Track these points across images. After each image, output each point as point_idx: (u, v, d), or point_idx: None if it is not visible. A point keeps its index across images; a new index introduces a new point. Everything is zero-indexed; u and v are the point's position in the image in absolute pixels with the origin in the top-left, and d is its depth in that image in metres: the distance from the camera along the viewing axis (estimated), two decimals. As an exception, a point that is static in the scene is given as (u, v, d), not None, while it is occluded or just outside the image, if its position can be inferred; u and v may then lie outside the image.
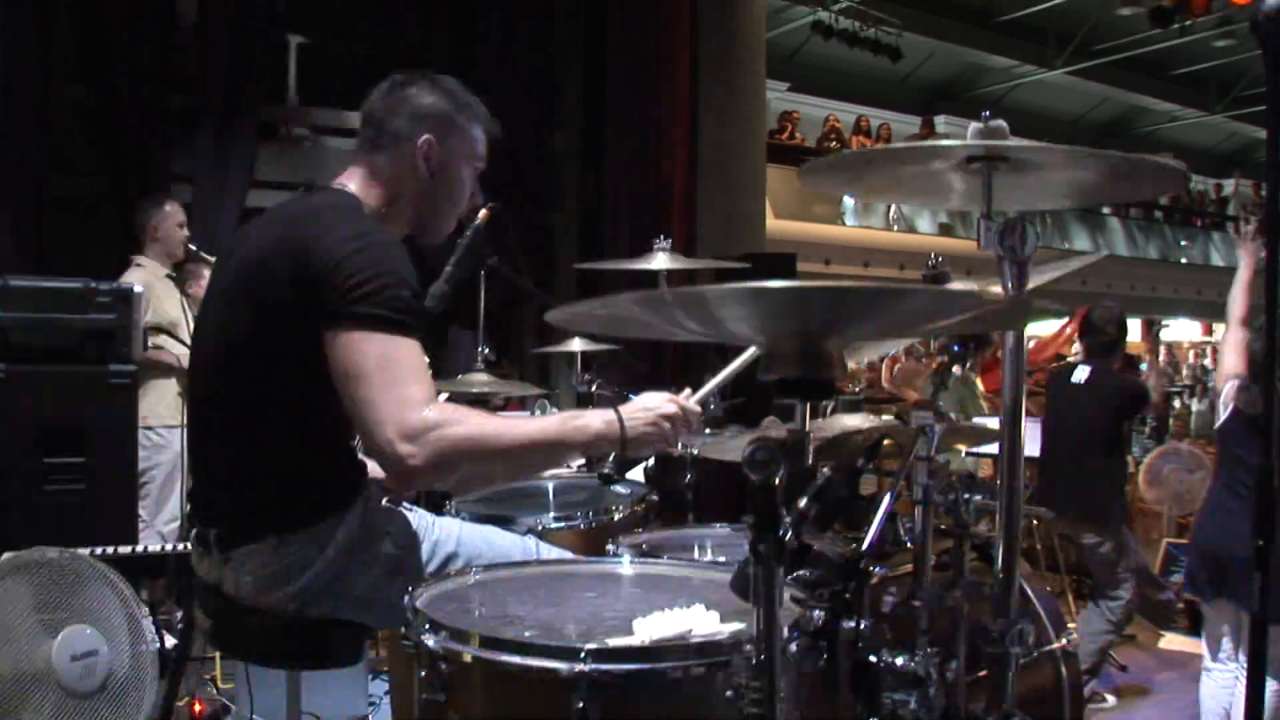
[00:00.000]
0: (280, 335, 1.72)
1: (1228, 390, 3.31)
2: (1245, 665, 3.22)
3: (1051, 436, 4.41)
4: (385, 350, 1.63)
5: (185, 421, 4.24)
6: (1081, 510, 4.21)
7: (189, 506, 1.96)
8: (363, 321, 1.64)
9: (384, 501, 1.95)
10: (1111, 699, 4.26)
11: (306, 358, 1.68)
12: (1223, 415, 3.35)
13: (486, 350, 3.42)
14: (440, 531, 1.93)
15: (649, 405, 1.77)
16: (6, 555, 2.53)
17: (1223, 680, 3.32)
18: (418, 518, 1.97)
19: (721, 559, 2.08)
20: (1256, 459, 3.36)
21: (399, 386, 1.61)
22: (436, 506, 2.40)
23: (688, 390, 1.86)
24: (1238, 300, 3.40)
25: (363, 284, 1.65)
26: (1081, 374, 4.36)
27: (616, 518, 2.45)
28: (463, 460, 1.64)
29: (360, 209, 1.85)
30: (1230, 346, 3.38)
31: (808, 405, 1.35)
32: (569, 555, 2.01)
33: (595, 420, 1.72)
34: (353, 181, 1.91)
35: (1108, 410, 4.29)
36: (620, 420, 1.72)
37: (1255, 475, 3.40)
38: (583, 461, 3.91)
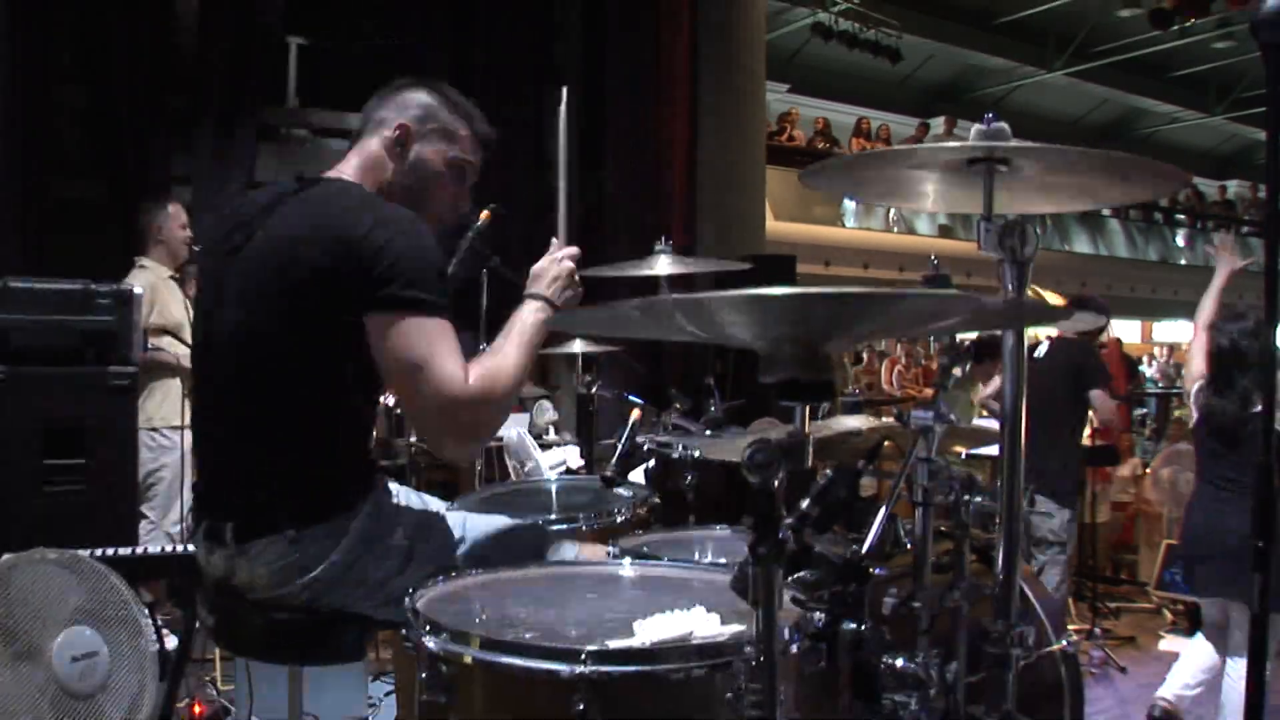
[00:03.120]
0: (307, 326, 1.74)
1: (1195, 392, 3.40)
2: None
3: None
4: (428, 334, 1.70)
5: (189, 422, 4.24)
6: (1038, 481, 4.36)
7: (192, 502, 1.96)
8: (406, 306, 1.70)
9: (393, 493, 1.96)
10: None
11: (331, 348, 1.71)
12: (1194, 416, 3.44)
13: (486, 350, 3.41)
14: (447, 520, 1.95)
15: (556, 275, 1.95)
16: (6, 556, 2.53)
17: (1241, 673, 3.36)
18: (425, 507, 1.99)
19: (722, 561, 2.08)
20: (1232, 456, 3.42)
21: (441, 369, 1.69)
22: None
23: (555, 243, 2.06)
24: (1207, 306, 3.53)
25: (403, 270, 1.70)
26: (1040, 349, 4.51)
27: (618, 520, 2.45)
28: (504, 412, 1.82)
29: (374, 196, 1.88)
30: (1198, 350, 3.47)
31: (807, 407, 1.35)
32: (574, 546, 2.02)
33: (532, 317, 1.87)
34: (346, 169, 1.94)
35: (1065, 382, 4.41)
36: (549, 301, 1.92)
37: (1233, 471, 3.45)
38: (583, 463, 3.92)
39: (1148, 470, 6.11)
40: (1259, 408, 3.20)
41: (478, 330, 3.58)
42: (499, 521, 2.02)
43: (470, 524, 1.96)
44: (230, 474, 1.86)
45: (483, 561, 1.85)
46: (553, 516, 2.36)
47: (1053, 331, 4.70)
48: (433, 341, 1.69)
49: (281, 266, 1.76)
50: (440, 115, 1.97)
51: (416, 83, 2.01)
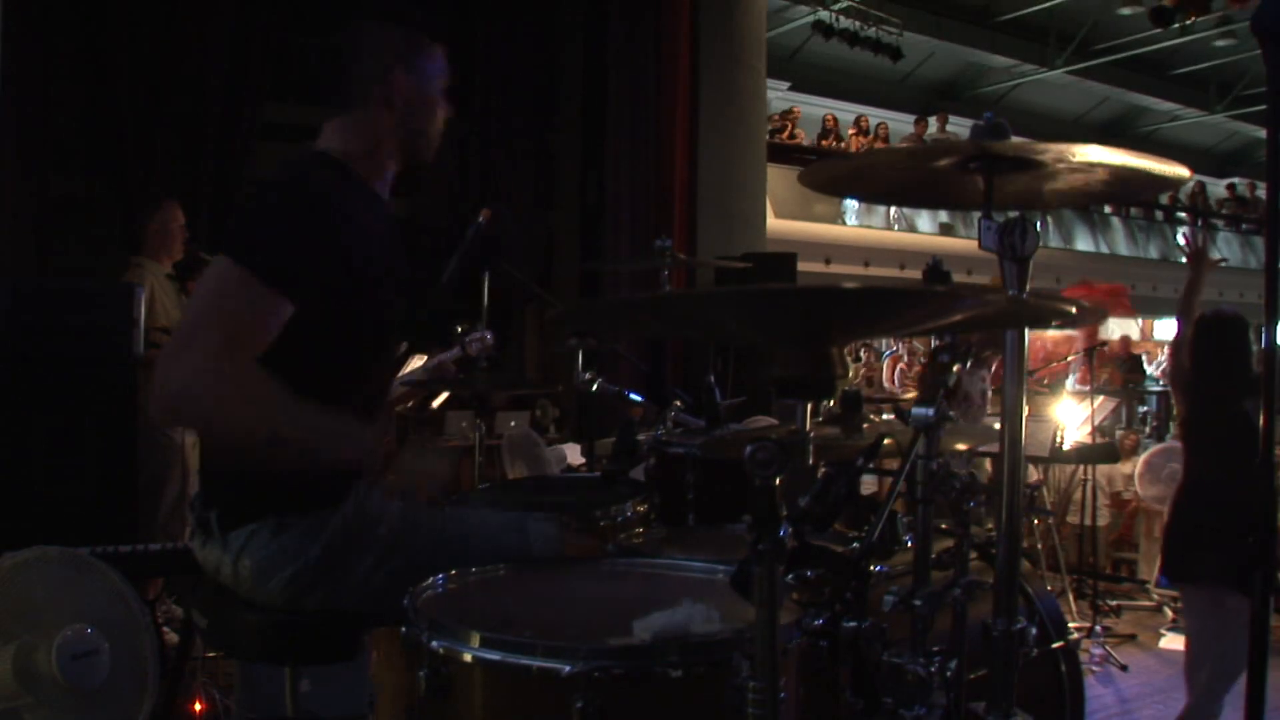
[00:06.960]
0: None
1: (1186, 386, 3.46)
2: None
3: None
4: (216, 278, 1.68)
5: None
6: None
7: (195, 496, 1.97)
8: (222, 250, 1.71)
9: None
10: None
11: (303, 338, 1.69)
12: (1181, 410, 3.49)
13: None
14: (431, 514, 1.94)
15: (409, 470, 1.95)
16: (6, 555, 2.52)
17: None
18: (410, 502, 1.98)
19: (722, 558, 2.07)
20: (1219, 450, 3.44)
21: (198, 330, 1.64)
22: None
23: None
24: (1190, 304, 3.60)
25: (239, 220, 1.79)
26: None
27: (618, 518, 2.44)
28: (204, 423, 1.75)
29: (315, 166, 1.85)
30: (1185, 345, 3.56)
31: (809, 404, 1.35)
32: (556, 531, 1.99)
33: (354, 444, 1.76)
34: (333, 139, 1.90)
35: None
36: (371, 454, 1.79)
37: (1220, 467, 3.47)
38: (584, 460, 3.91)
39: (1138, 464, 6.11)
40: (1248, 402, 3.23)
41: (479, 326, 3.57)
42: (483, 516, 2.02)
43: (454, 519, 1.96)
44: (221, 464, 1.88)
45: (466, 557, 1.83)
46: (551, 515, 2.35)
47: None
48: (212, 289, 1.68)
49: None
50: (414, 42, 1.91)
51: (366, 14, 1.92)
